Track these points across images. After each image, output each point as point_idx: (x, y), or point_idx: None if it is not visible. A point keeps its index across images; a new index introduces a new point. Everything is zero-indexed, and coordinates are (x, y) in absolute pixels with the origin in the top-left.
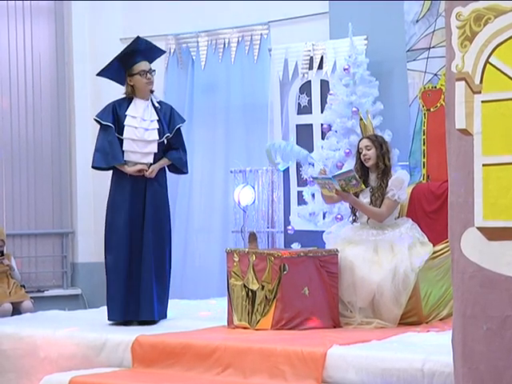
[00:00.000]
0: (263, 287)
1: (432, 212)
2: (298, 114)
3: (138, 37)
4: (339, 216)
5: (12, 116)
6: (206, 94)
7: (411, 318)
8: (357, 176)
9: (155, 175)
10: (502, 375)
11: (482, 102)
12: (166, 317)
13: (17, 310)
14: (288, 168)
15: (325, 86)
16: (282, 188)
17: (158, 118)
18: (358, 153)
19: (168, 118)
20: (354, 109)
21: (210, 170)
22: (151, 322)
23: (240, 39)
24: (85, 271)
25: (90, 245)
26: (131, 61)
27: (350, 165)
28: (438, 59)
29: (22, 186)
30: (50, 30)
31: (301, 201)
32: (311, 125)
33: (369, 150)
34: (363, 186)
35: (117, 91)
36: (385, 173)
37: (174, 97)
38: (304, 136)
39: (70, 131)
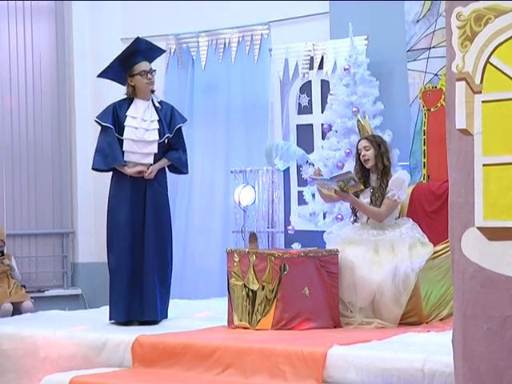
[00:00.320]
0: (263, 287)
1: (432, 212)
2: (298, 114)
3: (138, 37)
4: (340, 216)
5: (12, 116)
6: (206, 94)
7: (412, 318)
8: (355, 177)
9: (155, 175)
10: (502, 375)
11: (483, 102)
12: (167, 316)
13: (17, 310)
14: (288, 168)
15: (325, 86)
16: (283, 188)
17: (158, 118)
18: (358, 154)
19: (169, 118)
20: (355, 109)
21: (210, 170)
22: (152, 321)
23: (240, 39)
24: (85, 271)
25: (90, 245)
26: (131, 61)
27: (350, 165)
28: (438, 59)
29: (22, 186)
30: (50, 30)
31: (301, 201)
32: (311, 125)
33: (367, 150)
34: (362, 186)
35: (117, 91)
36: (384, 173)
37: (174, 97)
38: (304, 136)
39: (70, 131)
